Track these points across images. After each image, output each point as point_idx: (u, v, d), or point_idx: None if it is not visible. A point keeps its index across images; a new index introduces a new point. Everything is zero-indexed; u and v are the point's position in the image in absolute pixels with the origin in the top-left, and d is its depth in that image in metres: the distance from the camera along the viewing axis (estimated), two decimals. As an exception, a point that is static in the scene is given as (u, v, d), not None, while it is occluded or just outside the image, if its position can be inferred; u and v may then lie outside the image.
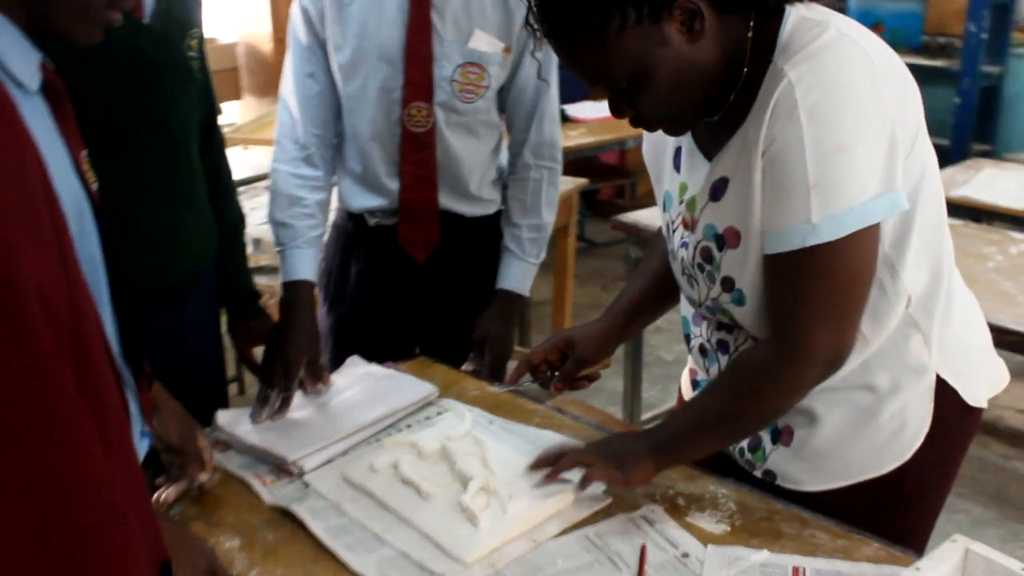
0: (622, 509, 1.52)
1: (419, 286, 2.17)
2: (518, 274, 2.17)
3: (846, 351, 1.36)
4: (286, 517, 1.53)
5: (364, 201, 2.12)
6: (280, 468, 1.66)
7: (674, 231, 1.54)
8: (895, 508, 1.50)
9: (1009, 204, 3.63)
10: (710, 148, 1.44)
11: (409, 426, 1.79)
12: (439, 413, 1.83)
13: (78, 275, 0.80)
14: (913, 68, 1.39)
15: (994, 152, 6.04)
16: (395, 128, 2.03)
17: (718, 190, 1.40)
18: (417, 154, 2.04)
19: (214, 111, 1.95)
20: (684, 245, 1.51)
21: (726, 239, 1.41)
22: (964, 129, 6.01)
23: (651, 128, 1.43)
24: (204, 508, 1.58)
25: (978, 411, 1.53)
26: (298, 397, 1.88)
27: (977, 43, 5.84)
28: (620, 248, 4.97)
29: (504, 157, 2.21)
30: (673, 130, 1.43)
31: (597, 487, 1.52)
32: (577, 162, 4.69)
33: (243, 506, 1.58)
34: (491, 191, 2.18)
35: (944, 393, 1.47)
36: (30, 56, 1.17)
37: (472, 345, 2.14)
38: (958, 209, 3.65)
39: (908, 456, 1.47)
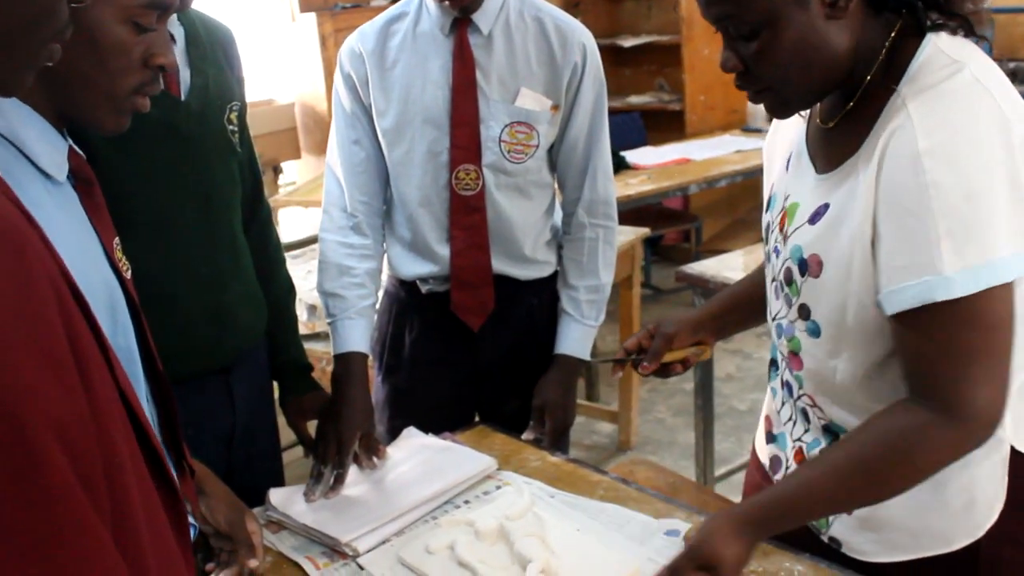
0: (691, 589, 1.43)
1: (475, 353, 2.11)
2: (577, 338, 2.10)
3: (1004, 405, 1.23)
4: (339, 606, 1.47)
5: (415, 268, 2.06)
6: (334, 549, 1.61)
7: (771, 233, 1.47)
8: None
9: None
10: (821, 163, 1.37)
11: (467, 502, 1.72)
12: (498, 487, 1.76)
13: (110, 401, 0.76)
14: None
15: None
16: (444, 192, 1.98)
17: (818, 215, 1.33)
18: (467, 218, 1.99)
19: (259, 183, 1.91)
20: (776, 252, 1.44)
21: (809, 266, 1.34)
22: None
23: (754, 93, 1.33)
24: (256, 596, 1.52)
25: None
26: (353, 472, 1.82)
27: (1049, 67, 5.67)
28: (687, 295, 4.87)
29: (558, 217, 2.15)
30: (776, 104, 1.34)
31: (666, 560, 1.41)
32: (639, 209, 4.62)
33: (295, 593, 1.52)
34: (546, 253, 2.11)
35: (1020, 466, 1.35)
36: (57, 146, 1.15)
37: (532, 413, 2.06)
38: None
39: (981, 533, 1.36)
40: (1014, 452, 1.34)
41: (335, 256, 2.00)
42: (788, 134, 1.48)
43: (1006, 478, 1.35)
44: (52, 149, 1.13)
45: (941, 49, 1.24)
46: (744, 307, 1.71)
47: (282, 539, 1.67)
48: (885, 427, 1.28)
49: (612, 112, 6.63)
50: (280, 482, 1.93)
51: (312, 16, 4.92)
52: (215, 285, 1.72)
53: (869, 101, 1.28)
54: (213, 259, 1.72)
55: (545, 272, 2.12)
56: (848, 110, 1.31)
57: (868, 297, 1.27)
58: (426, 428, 1.96)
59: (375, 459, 1.84)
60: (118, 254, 1.22)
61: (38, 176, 1.12)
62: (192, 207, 1.67)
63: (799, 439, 1.52)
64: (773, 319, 1.48)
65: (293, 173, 5.48)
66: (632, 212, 4.44)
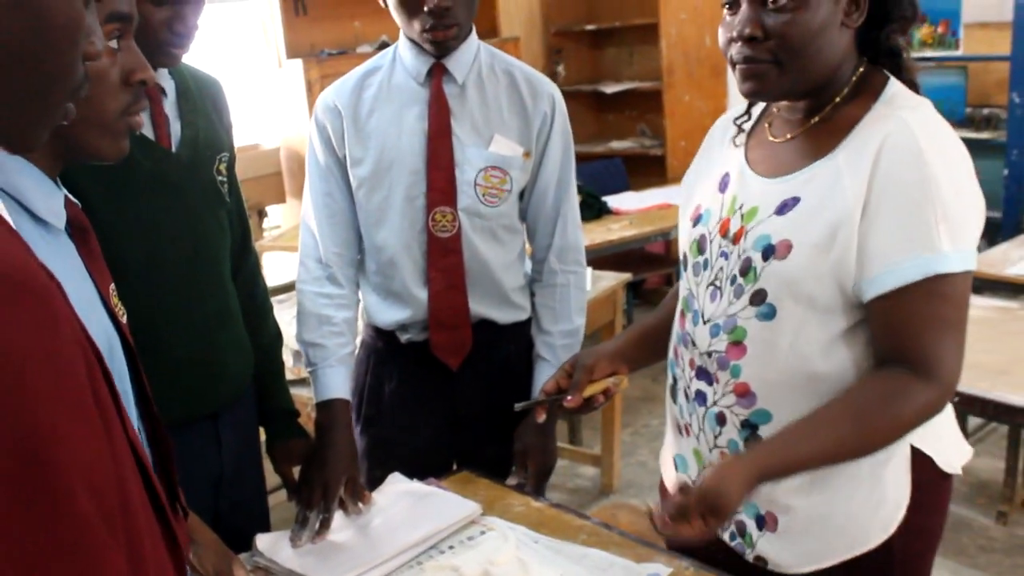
0: (674, 635, 1.45)
1: (453, 400, 2.13)
2: None
3: (960, 374, 1.41)
4: (325, 652, 1.48)
5: (392, 315, 2.09)
6: (320, 596, 1.62)
7: (710, 242, 1.58)
8: None
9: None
10: (772, 171, 1.52)
11: (452, 547, 1.74)
12: (482, 532, 1.78)
13: (122, 444, 0.78)
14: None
15: (1051, 223, 5.93)
16: (421, 236, 2.03)
17: (786, 206, 1.46)
18: (444, 259, 2.03)
19: (247, 233, 1.95)
20: (723, 255, 1.54)
21: (776, 250, 1.45)
22: (1015, 202, 5.90)
23: (754, 64, 1.44)
24: (242, 643, 1.53)
25: (951, 479, 1.57)
26: (339, 517, 1.84)
27: (1022, 113, 5.77)
28: (669, 337, 4.91)
29: (528, 265, 2.20)
30: (768, 81, 1.45)
31: None
32: (621, 254, 4.65)
33: (281, 640, 1.54)
34: (521, 297, 2.15)
35: (921, 463, 1.50)
36: (54, 195, 1.17)
37: (514, 458, 2.08)
38: (1016, 288, 3.55)
39: (893, 529, 1.49)
40: (915, 451, 1.49)
41: (313, 306, 2.03)
42: (709, 169, 1.65)
43: (909, 475, 1.49)
44: (49, 198, 1.15)
45: (903, 89, 1.47)
46: (654, 340, 1.78)
47: (268, 585, 1.68)
48: (873, 385, 1.41)
49: (594, 157, 6.69)
50: (266, 527, 1.95)
51: (299, 62, 4.97)
52: (204, 332, 1.75)
53: (834, 117, 1.47)
54: (202, 306, 1.75)
55: (521, 316, 2.15)
56: (811, 125, 1.49)
57: (839, 273, 1.40)
58: (407, 476, 1.98)
59: (360, 504, 1.86)
60: (114, 300, 1.24)
61: (35, 226, 1.14)
62: (182, 256, 1.70)
63: (715, 446, 1.58)
64: (706, 322, 1.56)
65: (278, 217, 5.51)
66: (614, 257, 4.48)
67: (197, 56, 1.80)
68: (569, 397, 1.69)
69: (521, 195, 2.10)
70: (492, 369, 2.13)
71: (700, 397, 1.58)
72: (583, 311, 2.19)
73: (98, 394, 0.73)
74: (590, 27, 6.19)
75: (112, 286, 1.27)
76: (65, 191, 1.22)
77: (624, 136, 6.42)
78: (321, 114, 2.05)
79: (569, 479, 4.08)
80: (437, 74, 2.00)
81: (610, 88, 6.17)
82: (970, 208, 1.39)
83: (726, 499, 1.35)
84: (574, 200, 2.15)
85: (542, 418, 1.76)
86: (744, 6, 1.43)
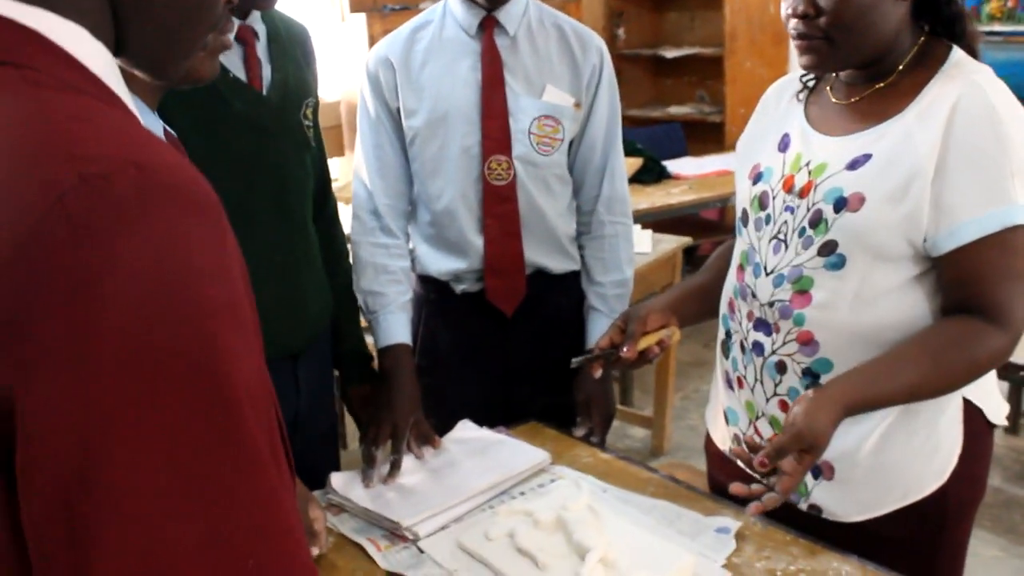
0: (743, 584, 1.48)
1: (507, 345, 2.17)
2: None
3: None
4: (401, 584, 1.53)
5: (447, 264, 2.12)
6: (394, 533, 1.66)
7: (773, 198, 1.63)
8: (944, 526, 1.60)
9: None
10: (839, 130, 1.58)
11: (523, 493, 1.77)
12: (552, 480, 1.81)
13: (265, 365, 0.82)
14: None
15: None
16: (477, 184, 2.06)
17: (858, 163, 1.52)
18: (500, 207, 2.06)
19: (327, 178, 1.99)
20: (788, 209, 1.60)
21: (849, 202, 1.51)
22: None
23: (809, 41, 1.51)
24: (320, 572, 1.58)
25: (994, 430, 1.64)
26: (411, 460, 1.88)
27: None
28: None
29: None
30: (823, 56, 1.52)
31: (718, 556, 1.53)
32: (679, 219, 4.65)
33: (358, 571, 1.58)
34: (572, 247, 2.19)
35: (971, 414, 1.58)
36: (155, 126, 1.21)
37: (576, 408, 2.12)
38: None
39: (947, 476, 1.57)
40: (967, 403, 1.57)
41: (370, 256, 2.07)
42: (766, 131, 1.73)
43: (962, 426, 1.57)
44: (151, 128, 1.19)
45: (966, 56, 1.52)
46: (701, 297, 1.85)
47: (343, 521, 1.73)
48: (949, 329, 1.48)
49: (652, 122, 6.66)
50: (337, 467, 1.99)
51: (362, 17, 5.00)
52: (289, 273, 1.79)
53: (900, 82, 1.53)
54: (287, 247, 1.79)
55: (572, 266, 2.19)
56: (879, 88, 1.55)
57: (910, 225, 1.47)
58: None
59: (430, 448, 1.91)
60: None
61: None
62: (269, 196, 1.74)
63: (774, 394, 1.63)
64: (769, 273, 1.60)
65: (336, 169, 5.56)
66: (672, 221, 4.47)
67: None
68: (625, 349, 1.71)
69: (569, 148, 2.12)
70: (544, 321, 2.16)
71: (757, 348, 1.63)
72: (632, 262, 2.22)
73: (254, 314, 0.76)
74: (652, -10, 6.17)
75: None
76: (163, 123, 1.26)
77: (683, 102, 6.39)
78: (373, 67, 2.08)
79: (620, 439, 4.11)
80: (488, 27, 2.04)
81: (670, 53, 6.13)
82: None
83: (819, 434, 1.40)
84: (620, 152, 2.18)
85: (598, 373, 1.78)
86: None
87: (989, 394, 1.61)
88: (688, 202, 4.43)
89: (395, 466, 1.85)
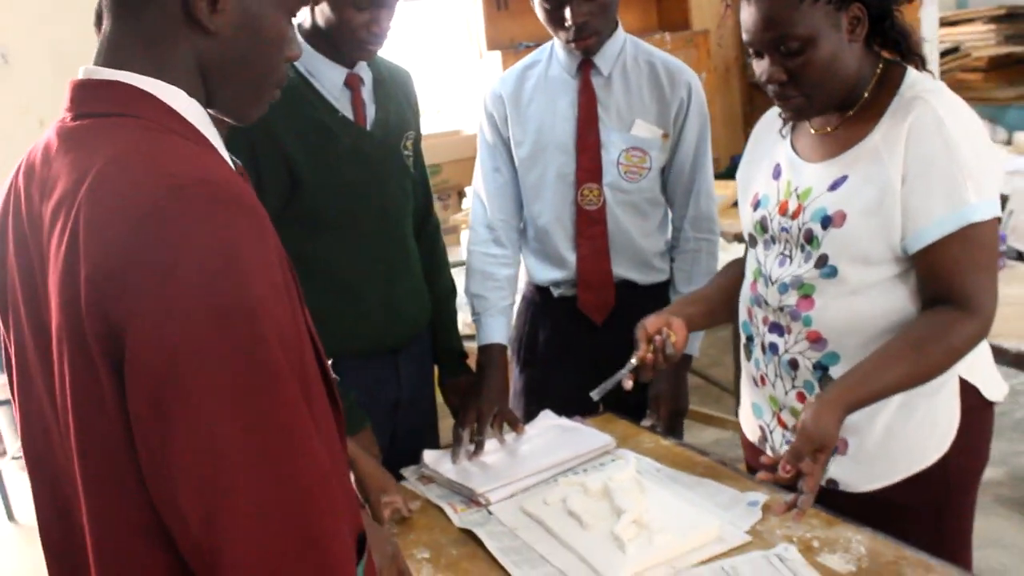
0: (759, 547, 1.70)
1: (597, 346, 2.42)
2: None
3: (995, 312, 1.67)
4: (470, 538, 1.82)
5: (548, 274, 2.42)
6: (471, 499, 1.96)
7: (771, 221, 1.84)
8: (948, 493, 1.79)
9: None
10: (819, 156, 1.78)
11: (585, 470, 2.04)
12: (612, 460, 2.07)
13: (303, 326, 1.10)
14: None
15: None
16: (571, 208, 2.34)
17: (837, 184, 1.72)
18: (591, 229, 2.34)
19: (429, 199, 2.32)
20: (784, 230, 1.81)
21: (833, 220, 1.71)
22: None
23: (788, 100, 1.72)
24: (404, 528, 1.90)
25: (993, 406, 1.83)
26: (494, 444, 2.18)
27: None
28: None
29: (669, 232, 2.47)
30: (803, 109, 1.73)
31: (744, 524, 1.76)
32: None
33: (436, 528, 1.89)
34: (660, 261, 2.43)
35: (968, 391, 1.77)
36: (225, 155, 1.52)
37: (647, 403, 2.37)
38: None
39: (947, 447, 1.76)
40: (963, 382, 1.76)
41: (480, 264, 2.39)
42: (760, 162, 1.93)
43: (959, 401, 1.76)
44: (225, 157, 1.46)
45: (919, 75, 1.73)
46: (706, 302, 2.06)
47: (430, 489, 2.04)
48: (925, 322, 1.67)
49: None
50: (436, 447, 2.30)
51: (498, 54, 5.36)
52: (387, 280, 2.12)
53: (867, 108, 1.72)
54: (387, 258, 2.12)
55: (659, 278, 2.44)
56: (848, 116, 1.74)
57: (887, 232, 1.66)
58: (557, 413, 2.30)
59: (513, 433, 2.21)
60: None
61: None
62: (372, 215, 2.07)
63: (792, 387, 1.83)
64: (774, 283, 1.82)
65: (475, 197, 5.90)
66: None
67: (408, 50, 2.14)
68: (632, 358, 1.95)
69: (661, 172, 2.37)
70: (631, 325, 2.39)
71: (773, 348, 1.85)
72: (713, 274, 2.43)
73: (289, 290, 1.06)
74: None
75: None
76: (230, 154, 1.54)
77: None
78: (490, 102, 2.42)
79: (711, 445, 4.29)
80: (586, 68, 2.32)
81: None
82: (988, 163, 1.64)
83: (826, 434, 1.61)
84: (709, 175, 2.41)
85: (628, 385, 1.96)
86: (765, 57, 1.69)
87: (983, 373, 1.80)
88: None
89: (479, 446, 2.14)
